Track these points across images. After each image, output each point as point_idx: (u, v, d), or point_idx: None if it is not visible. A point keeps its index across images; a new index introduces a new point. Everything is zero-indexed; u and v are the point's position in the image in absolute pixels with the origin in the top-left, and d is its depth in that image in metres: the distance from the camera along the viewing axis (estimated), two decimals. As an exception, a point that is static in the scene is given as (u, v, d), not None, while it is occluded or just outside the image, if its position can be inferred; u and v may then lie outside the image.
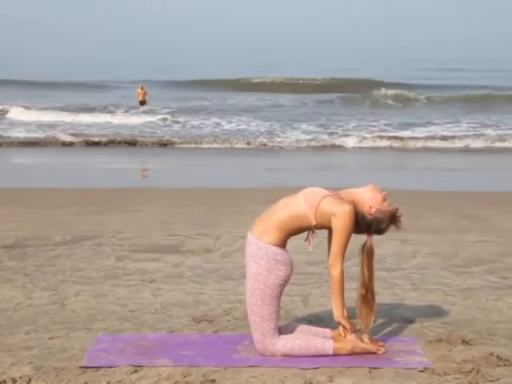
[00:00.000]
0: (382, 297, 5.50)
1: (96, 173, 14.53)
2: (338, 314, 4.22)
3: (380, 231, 4.32)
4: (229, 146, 19.34)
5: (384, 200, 4.27)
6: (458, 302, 5.42)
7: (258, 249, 4.19)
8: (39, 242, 7.48)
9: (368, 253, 4.28)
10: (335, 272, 4.18)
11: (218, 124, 23.16)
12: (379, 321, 4.95)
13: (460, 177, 14.23)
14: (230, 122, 23.45)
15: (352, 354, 4.25)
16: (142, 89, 29.60)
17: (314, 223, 4.18)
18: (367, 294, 4.29)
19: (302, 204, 4.19)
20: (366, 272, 4.29)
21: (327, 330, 4.41)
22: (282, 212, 4.21)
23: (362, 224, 4.24)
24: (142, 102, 29.12)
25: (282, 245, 4.22)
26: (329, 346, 4.24)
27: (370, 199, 4.24)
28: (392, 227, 4.34)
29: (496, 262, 6.72)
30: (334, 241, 4.17)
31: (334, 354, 4.23)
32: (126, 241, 7.58)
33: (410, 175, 14.57)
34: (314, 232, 4.28)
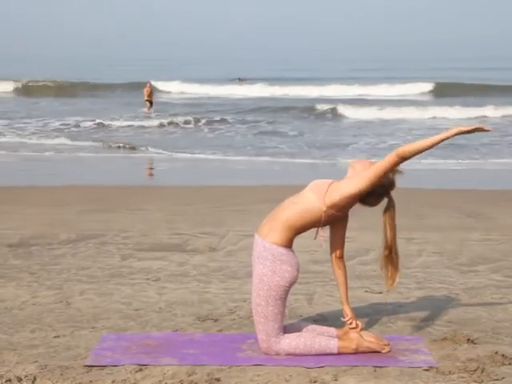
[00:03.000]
0: (387, 295, 5.50)
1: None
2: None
3: (392, 185, 4.28)
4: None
5: (371, 162, 4.29)
6: (462, 300, 5.41)
7: (264, 249, 4.19)
8: (44, 241, 7.50)
9: (390, 211, 4.25)
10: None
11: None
12: (384, 319, 4.95)
13: (464, 175, 14.22)
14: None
15: (356, 352, 4.25)
16: (149, 87, 28.67)
17: (324, 209, 4.16)
18: (391, 253, 4.28)
19: (309, 196, 4.20)
20: (388, 233, 4.26)
21: (332, 329, 4.41)
22: (289, 210, 4.21)
23: (378, 189, 4.22)
24: (149, 102, 28.18)
25: (288, 245, 4.22)
26: (333, 344, 4.24)
27: (365, 170, 4.21)
28: (396, 176, 4.29)
29: (501, 261, 6.71)
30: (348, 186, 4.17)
31: (339, 353, 4.23)
32: (131, 239, 7.59)
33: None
34: (322, 228, 4.28)
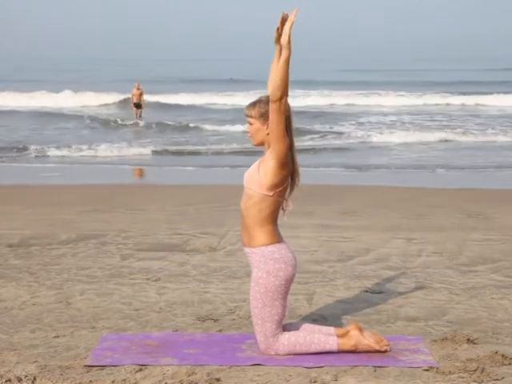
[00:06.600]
0: (387, 296, 5.50)
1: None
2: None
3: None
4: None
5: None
6: (463, 300, 5.41)
7: (255, 255, 4.21)
8: (44, 241, 7.50)
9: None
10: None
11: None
12: (384, 319, 4.95)
13: (464, 174, 14.21)
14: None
15: (356, 349, 4.25)
16: (137, 89, 25.99)
17: (271, 193, 4.14)
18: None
19: (252, 192, 4.20)
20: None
21: (331, 328, 4.41)
22: (250, 211, 4.21)
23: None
24: (138, 105, 26.15)
25: (275, 239, 4.21)
26: (333, 340, 4.25)
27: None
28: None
29: (501, 261, 6.71)
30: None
31: (338, 349, 4.24)
32: (131, 239, 7.59)
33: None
34: (286, 200, 4.25)
